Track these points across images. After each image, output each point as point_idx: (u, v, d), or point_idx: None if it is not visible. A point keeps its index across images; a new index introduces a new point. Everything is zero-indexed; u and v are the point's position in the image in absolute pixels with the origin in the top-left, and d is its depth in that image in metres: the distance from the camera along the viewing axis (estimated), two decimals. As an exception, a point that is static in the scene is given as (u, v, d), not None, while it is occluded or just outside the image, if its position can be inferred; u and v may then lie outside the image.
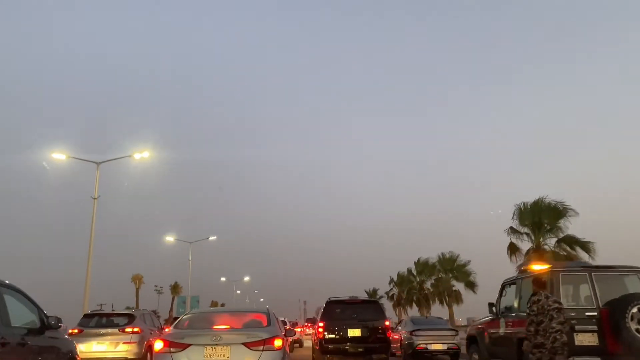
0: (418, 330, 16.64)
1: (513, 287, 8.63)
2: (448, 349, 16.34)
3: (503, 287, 9.01)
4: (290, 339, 20.06)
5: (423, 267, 37.36)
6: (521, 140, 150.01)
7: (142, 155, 25.52)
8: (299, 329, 32.07)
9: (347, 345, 13.60)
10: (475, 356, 9.16)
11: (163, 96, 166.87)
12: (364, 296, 47.28)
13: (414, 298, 39.22)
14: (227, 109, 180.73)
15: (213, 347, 6.68)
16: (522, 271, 8.47)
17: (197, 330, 7.33)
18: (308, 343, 33.24)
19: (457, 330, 17.37)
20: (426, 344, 16.26)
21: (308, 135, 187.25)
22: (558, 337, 6.98)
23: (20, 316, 6.26)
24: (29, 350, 5.96)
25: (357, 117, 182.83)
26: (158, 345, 6.98)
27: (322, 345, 13.72)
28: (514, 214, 20.32)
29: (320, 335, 13.82)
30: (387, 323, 14.07)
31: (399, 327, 19.28)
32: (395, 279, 46.13)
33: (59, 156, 24.07)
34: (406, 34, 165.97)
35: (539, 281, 7.41)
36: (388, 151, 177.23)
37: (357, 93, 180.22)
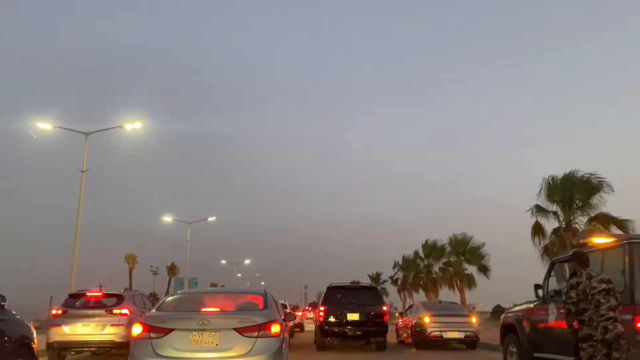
0: (432, 316, 15.27)
1: (566, 265, 7.11)
2: (465, 337, 15.02)
3: (552, 265, 7.53)
4: (291, 324, 18.88)
5: (431, 249, 36.04)
6: (542, 120, 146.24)
7: (133, 126, 24.00)
8: (299, 313, 30.92)
9: (347, 329, 14.50)
10: (513, 348, 7.69)
11: (159, 64, 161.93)
12: (367, 280, 48.90)
13: (421, 282, 38.04)
14: (228, 78, 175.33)
15: (200, 332, 5.98)
16: (579, 245, 6.90)
17: (183, 313, 6.62)
18: (309, 327, 32.29)
19: (475, 317, 15.96)
20: (441, 331, 14.93)
21: (313, 114, 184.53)
22: (610, 326, 5.53)
23: None
24: None
25: (364, 95, 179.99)
26: (136, 329, 6.22)
27: (322, 328, 14.64)
28: (540, 189, 18.75)
29: (322, 319, 14.69)
30: (384, 308, 15.04)
31: (408, 313, 17.94)
32: (400, 262, 45.08)
33: (44, 126, 22.65)
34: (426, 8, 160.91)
35: (579, 258, 6.00)
36: (395, 132, 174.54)
37: (367, 71, 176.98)
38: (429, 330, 15.02)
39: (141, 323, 6.23)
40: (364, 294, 15.23)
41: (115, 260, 61.71)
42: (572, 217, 17.89)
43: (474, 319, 15.55)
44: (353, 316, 14.51)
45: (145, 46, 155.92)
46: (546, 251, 18.01)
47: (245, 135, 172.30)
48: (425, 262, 37.85)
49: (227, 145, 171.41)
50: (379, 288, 55.75)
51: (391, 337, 19.01)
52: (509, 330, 7.85)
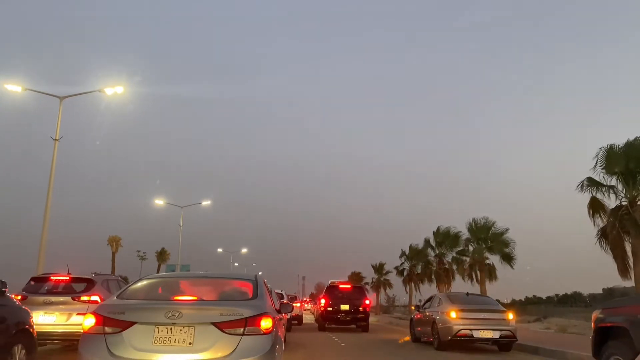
0: (460, 310, 13.03)
1: None
2: (501, 336, 12.80)
3: None
4: (288, 316, 16.73)
5: (444, 237, 33.79)
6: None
7: (115, 90, 21.85)
8: (298, 304, 28.86)
9: (340, 316, 21.23)
10: (617, 361, 5.36)
11: (145, 21, 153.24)
12: (370, 270, 50.37)
13: (432, 273, 35.90)
14: (226, 39, 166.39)
15: (168, 327, 4.85)
16: None
17: (148, 302, 5.53)
18: (307, 319, 30.31)
19: (512, 313, 13.68)
20: (472, 329, 12.71)
21: (317, 100, 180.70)
22: None
23: None
24: None
25: (369, 78, 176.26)
26: (88, 321, 5.08)
27: (323, 315, 21.51)
28: (596, 160, 16.30)
29: (322, 309, 21.59)
30: (367, 302, 21.98)
31: (426, 307, 15.65)
32: (407, 252, 42.99)
33: (13, 88, 20.90)
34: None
35: None
36: (402, 116, 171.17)
37: (378, 49, 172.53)
38: (457, 327, 12.85)
39: (94, 314, 5.10)
40: (353, 291, 22.20)
41: (97, 243, 59.52)
42: (636, 193, 15.43)
43: (510, 315, 13.31)
44: (344, 307, 21.16)
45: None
46: (604, 234, 15.57)
47: (244, 113, 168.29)
48: (437, 251, 35.62)
49: (224, 118, 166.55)
50: (384, 278, 54.93)
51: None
52: (612, 336, 5.54)
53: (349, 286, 22.98)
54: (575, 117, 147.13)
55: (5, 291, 6.45)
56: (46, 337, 9.93)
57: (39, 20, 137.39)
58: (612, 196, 15.74)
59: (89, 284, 10.71)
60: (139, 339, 4.84)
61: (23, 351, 6.55)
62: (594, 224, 16.52)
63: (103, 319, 4.99)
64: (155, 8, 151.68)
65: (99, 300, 10.03)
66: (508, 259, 26.60)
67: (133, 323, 4.90)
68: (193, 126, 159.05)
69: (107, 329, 4.93)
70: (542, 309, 42.18)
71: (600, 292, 61.64)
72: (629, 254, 14.88)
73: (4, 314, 6.21)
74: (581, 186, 16.69)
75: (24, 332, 6.49)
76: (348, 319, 21.24)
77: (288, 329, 17.29)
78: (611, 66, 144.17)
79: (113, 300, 5.61)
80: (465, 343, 13.35)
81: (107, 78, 23.45)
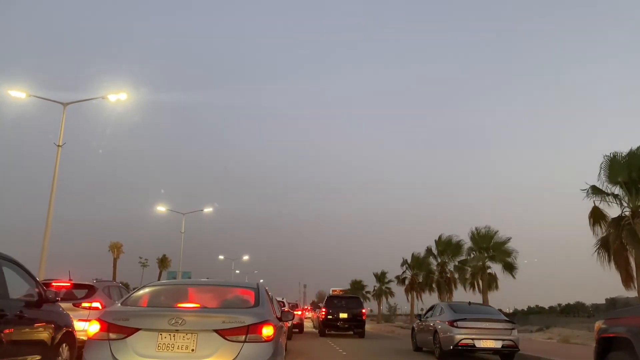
0: (462, 320, 12.99)
1: None
2: (502, 346, 12.70)
3: None
4: (289, 324, 16.69)
5: (446, 246, 33.61)
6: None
7: (118, 97, 22.00)
8: (299, 312, 28.72)
9: (339, 323, 23.50)
10: (622, 374, 5.30)
11: (148, 28, 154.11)
12: (372, 279, 52.23)
13: (434, 282, 35.67)
14: (230, 47, 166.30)
15: (172, 334, 4.93)
16: None
17: (152, 309, 5.62)
18: (308, 326, 30.19)
19: (514, 322, 13.61)
20: (473, 338, 12.64)
21: (319, 107, 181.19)
22: None
23: (17, 288, 6.38)
24: (26, 322, 6.25)
25: (373, 84, 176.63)
26: (93, 328, 5.16)
27: (324, 322, 23.87)
28: (600, 169, 16.24)
29: (323, 317, 23.95)
30: (363, 310, 24.62)
31: (428, 316, 15.57)
32: (409, 260, 42.78)
33: (17, 94, 21.03)
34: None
35: None
36: (404, 126, 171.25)
37: (375, 61, 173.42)
38: (458, 337, 12.77)
39: (99, 320, 5.18)
40: (351, 301, 24.80)
41: (99, 249, 59.57)
42: (639, 202, 15.28)
43: (512, 325, 13.20)
44: (343, 315, 23.42)
45: (132, 7, 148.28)
46: (605, 244, 15.48)
47: (245, 120, 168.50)
48: (439, 260, 35.43)
49: (225, 125, 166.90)
50: (386, 287, 54.84)
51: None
52: (615, 347, 5.49)
53: (347, 296, 27.69)
54: (581, 125, 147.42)
55: (58, 300, 7.34)
56: None
57: (44, 27, 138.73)
58: (616, 205, 15.68)
59: (90, 291, 10.68)
60: (143, 345, 4.91)
61: (67, 349, 7.38)
62: (594, 233, 16.37)
63: (107, 325, 5.05)
64: (160, 16, 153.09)
65: (100, 307, 10.07)
66: (510, 268, 26.43)
67: (137, 329, 4.97)
68: (195, 133, 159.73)
69: (112, 335, 5.00)
70: (544, 318, 41.99)
71: (603, 302, 61.38)
72: (632, 264, 14.83)
73: (56, 318, 7.13)
74: (586, 193, 16.51)
75: (68, 334, 7.39)
76: (346, 326, 23.57)
77: (289, 337, 17.22)
78: (617, 74, 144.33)
79: (117, 306, 5.67)
80: (467, 353, 13.26)
81: (110, 85, 23.53)
